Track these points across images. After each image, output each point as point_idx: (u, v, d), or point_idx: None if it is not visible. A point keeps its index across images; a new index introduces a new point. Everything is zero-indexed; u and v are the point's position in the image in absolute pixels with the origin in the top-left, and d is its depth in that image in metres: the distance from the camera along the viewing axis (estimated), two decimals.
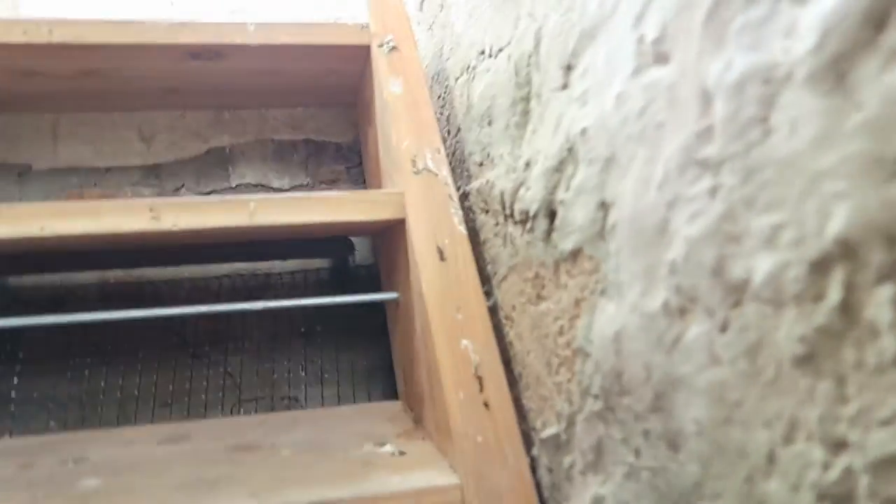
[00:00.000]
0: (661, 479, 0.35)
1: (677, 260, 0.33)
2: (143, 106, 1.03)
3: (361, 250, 1.04)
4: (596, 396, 0.42)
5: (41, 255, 0.85)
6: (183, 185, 1.05)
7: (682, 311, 0.33)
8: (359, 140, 1.13)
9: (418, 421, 0.68)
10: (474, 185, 0.71)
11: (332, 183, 1.10)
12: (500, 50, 0.64)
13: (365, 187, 1.09)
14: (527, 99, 0.56)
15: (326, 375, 0.95)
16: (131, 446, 0.63)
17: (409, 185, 0.68)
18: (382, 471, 0.53)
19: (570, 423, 0.46)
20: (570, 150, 0.46)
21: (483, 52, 0.71)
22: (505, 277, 0.60)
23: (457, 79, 0.82)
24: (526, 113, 0.57)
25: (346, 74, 0.96)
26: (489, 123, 0.67)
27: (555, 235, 0.49)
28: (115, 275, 0.95)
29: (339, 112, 1.14)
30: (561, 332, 0.48)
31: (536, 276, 0.53)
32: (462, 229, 0.65)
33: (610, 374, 0.40)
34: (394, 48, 0.82)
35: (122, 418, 0.86)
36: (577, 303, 0.45)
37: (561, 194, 0.48)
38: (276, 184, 1.08)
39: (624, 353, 0.38)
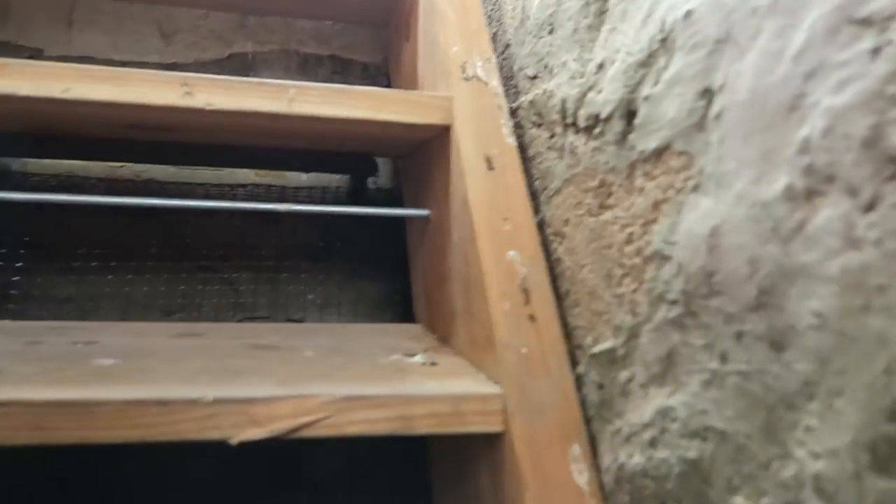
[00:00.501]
0: (756, 383, 0.32)
1: (812, 137, 0.29)
2: (165, 0, 0.98)
3: (381, 176, 1.00)
4: (673, 302, 0.39)
5: (49, 137, 0.80)
6: None
7: (811, 194, 0.29)
8: (387, 62, 1.08)
9: (444, 340, 0.65)
10: (525, 99, 0.67)
11: None
12: None
13: None
14: None
15: (336, 299, 0.92)
16: (143, 337, 0.60)
17: (458, 91, 0.64)
18: (416, 376, 0.50)
19: (633, 335, 0.43)
20: (664, 40, 0.42)
21: None
22: (558, 191, 0.57)
23: None
24: (602, 13, 0.52)
25: None
26: (550, 32, 0.63)
27: (633, 136, 0.45)
28: (123, 173, 0.90)
29: (368, 31, 1.08)
30: (629, 241, 0.44)
31: (601, 184, 0.49)
32: (511, 141, 0.61)
33: (697, 275, 0.37)
34: None
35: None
36: (657, 205, 0.41)
37: (646, 90, 0.44)
38: None
39: (721, 249, 0.35)
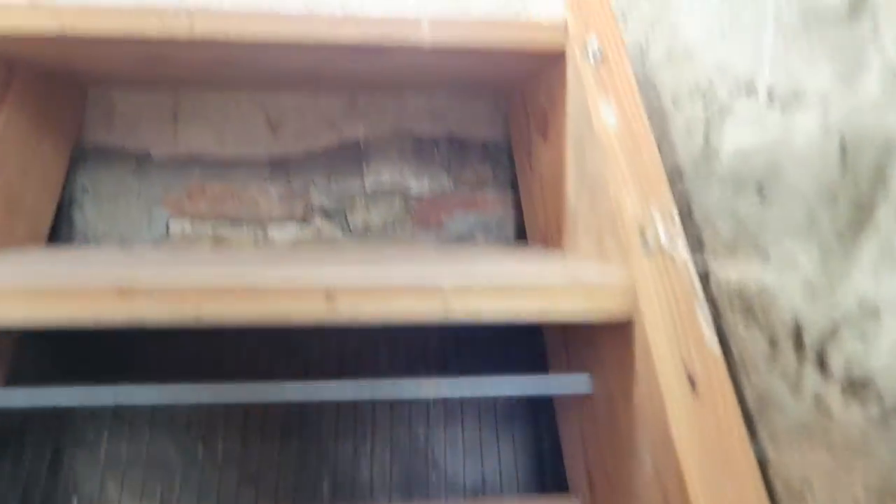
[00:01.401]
0: None
1: None
2: (271, 87, 0.90)
3: None
4: None
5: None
6: (313, 182, 0.92)
7: None
8: (508, 135, 0.97)
9: None
10: (722, 276, 0.55)
11: (476, 186, 0.95)
12: (797, 97, 0.46)
13: (515, 192, 0.93)
14: (872, 198, 0.39)
15: (461, 410, 0.83)
16: None
17: (639, 270, 0.53)
18: None
19: None
20: None
21: (744, 88, 0.53)
22: (790, 440, 0.45)
23: (675, 101, 0.65)
24: (860, 222, 0.39)
25: (518, 75, 0.79)
26: (760, 197, 0.50)
27: None
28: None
29: (486, 101, 0.97)
30: None
31: (881, 478, 0.37)
32: (714, 346, 0.50)
33: None
34: (603, 58, 0.65)
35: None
36: None
37: None
38: (414, 185, 0.94)
39: None
